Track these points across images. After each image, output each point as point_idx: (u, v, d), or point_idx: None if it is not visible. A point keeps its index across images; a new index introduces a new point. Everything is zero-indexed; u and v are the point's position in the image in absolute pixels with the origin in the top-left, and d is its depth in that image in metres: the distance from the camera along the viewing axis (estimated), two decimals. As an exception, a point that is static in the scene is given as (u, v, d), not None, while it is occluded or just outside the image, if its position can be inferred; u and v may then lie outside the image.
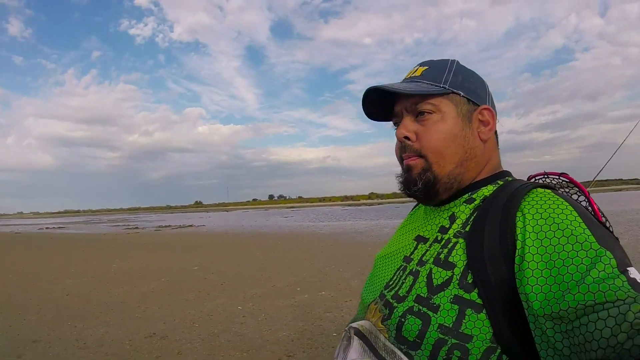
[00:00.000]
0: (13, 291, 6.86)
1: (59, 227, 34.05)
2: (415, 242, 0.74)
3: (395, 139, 0.75)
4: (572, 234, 0.53)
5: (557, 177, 0.79)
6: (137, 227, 28.13)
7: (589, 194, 0.72)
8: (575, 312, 0.47)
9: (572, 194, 0.74)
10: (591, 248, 0.51)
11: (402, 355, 0.60)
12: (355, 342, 0.69)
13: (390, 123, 0.79)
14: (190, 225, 27.40)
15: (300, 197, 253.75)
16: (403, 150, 0.73)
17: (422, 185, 0.70)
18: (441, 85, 0.71)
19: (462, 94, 0.71)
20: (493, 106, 0.76)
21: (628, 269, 0.49)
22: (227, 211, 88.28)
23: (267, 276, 7.44)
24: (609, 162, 1.00)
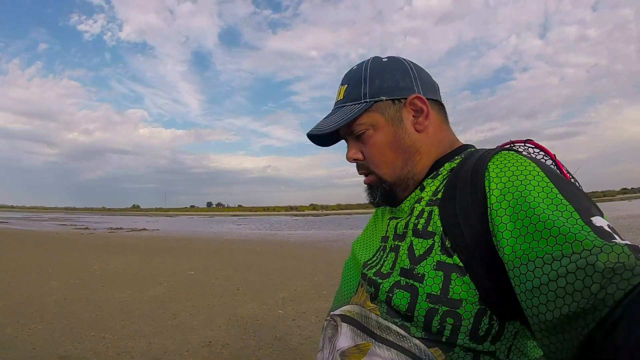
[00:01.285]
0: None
1: (1, 222, 30.79)
2: (389, 222, 0.75)
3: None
4: (535, 187, 0.54)
5: (523, 144, 0.81)
6: (87, 228, 25.91)
7: (554, 156, 0.75)
8: (543, 264, 0.47)
9: (538, 159, 0.76)
10: (555, 197, 0.52)
11: (398, 329, 0.59)
12: (345, 328, 0.67)
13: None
14: (144, 229, 25.72)
15: (240, 206, 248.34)
16: (357, 169, 0.78)
17: (380, 197, 0.75)
18: (362, 101, 0.72)
19: (384, 98, 0.72)
20: (424, 85, 0.75)
21: (592, 218, 0.49)
22: (170, 216, 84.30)
23: (278, 281, 7.11)
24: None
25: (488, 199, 0.56)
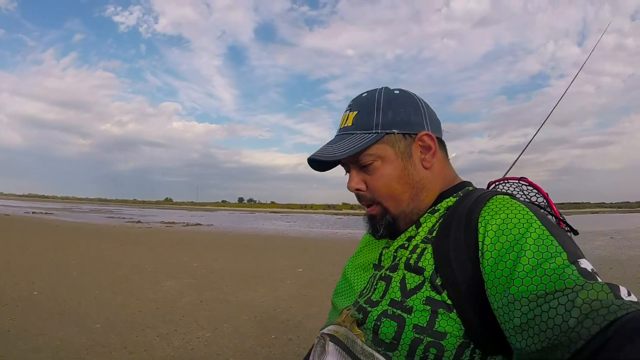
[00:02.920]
0: (119, 298, 5.35)
1: (47, 213, 31.05)
2: (383, 250, 0.76)
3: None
4: (532, 233, 0.55)
5: (517, 181, 0.86)
6: (140, 222, 26.11)
7: (547, 195, 0.80)
8: (528, 302, 0.49)
9: (531, 196, 0.83)
10: (550, 244, 0.53)
11: (380, 357, 0.61)
12: (331, 347, 0.69)
13: None
14: (198, 224, 26.03)
15: (273, 202, 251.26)
16: (359, 199, 0.77)
17: (384, 230, 0.74)
18: (373, 132, 0.71)
19: (395, 131, 0.71)
20: (432, 122, 0.75)
21: (579, 260, 0.51)
22: (209, 211, 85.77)
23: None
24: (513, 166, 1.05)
25: (480, 242, 0.58)
